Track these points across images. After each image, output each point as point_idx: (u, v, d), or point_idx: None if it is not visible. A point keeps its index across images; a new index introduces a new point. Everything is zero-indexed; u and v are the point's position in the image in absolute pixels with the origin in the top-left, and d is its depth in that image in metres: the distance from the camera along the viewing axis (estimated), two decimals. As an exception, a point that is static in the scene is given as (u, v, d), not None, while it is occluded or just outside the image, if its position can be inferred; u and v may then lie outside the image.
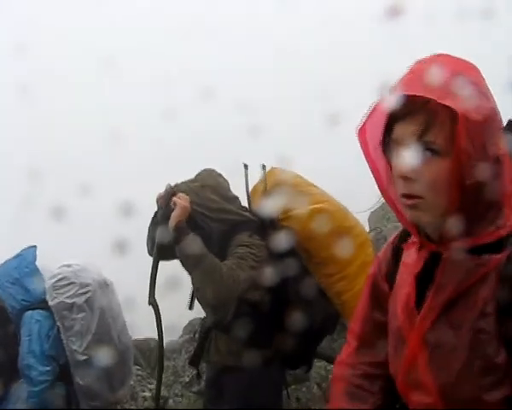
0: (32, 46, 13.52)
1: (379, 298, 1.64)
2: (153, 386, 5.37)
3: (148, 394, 5.40)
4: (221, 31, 17.82)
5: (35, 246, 4.21)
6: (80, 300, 3.71)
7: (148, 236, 3.38)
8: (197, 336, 3.43)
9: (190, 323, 6.10)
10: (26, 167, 7.99)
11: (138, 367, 5.70)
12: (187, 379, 5.55)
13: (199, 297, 2.93)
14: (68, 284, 3.74)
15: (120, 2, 18.62)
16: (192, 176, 3.24)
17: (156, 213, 3.17)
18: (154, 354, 5.99)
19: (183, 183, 3.16)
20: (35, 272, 3.98)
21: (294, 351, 2.96)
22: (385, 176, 1.43)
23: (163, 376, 3.94)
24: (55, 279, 3.78)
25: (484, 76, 1.42)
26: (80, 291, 3.73)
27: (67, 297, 3.71)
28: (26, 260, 4.04)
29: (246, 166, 3.03)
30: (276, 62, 16.48)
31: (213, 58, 17.47)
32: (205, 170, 3.31)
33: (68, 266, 3.85)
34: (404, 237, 1.57)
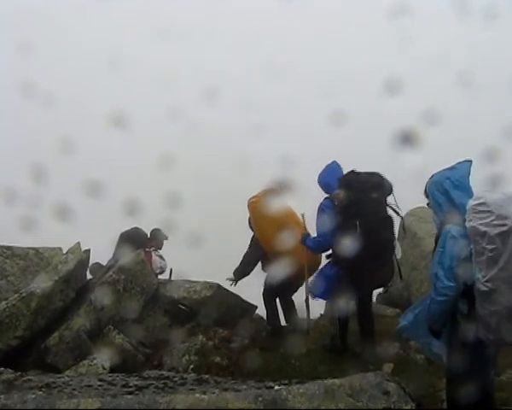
0: (38, 44, 13.72)
1: None
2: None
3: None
4: (223, 30, 16.56)
5: (470, 161, 4.19)
6: (493, 231, 3.62)
7: None
8: None
9: None
10: (31, 165, 8.33)
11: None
12: None
13: None
14: (486, 211, 3.68)
15: (125, 1, 18.00)
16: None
17: None
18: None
19: None
20: (464, 186, 4.02)
21: None
22: None
23: None
24: (476, 202, 3.77)
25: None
26: (496, 222, 3.62)
27: (482, 224, 3.67)
28: (458, 174, 4.07)
29: None
30: (276, 62, 14.82)
31: (216, 57, 16.30)
32: None
33: (493, 192, 3.78)
34: None
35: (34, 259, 8.85)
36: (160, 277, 8.79)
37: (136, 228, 8.97)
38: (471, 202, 3.80)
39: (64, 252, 8.39)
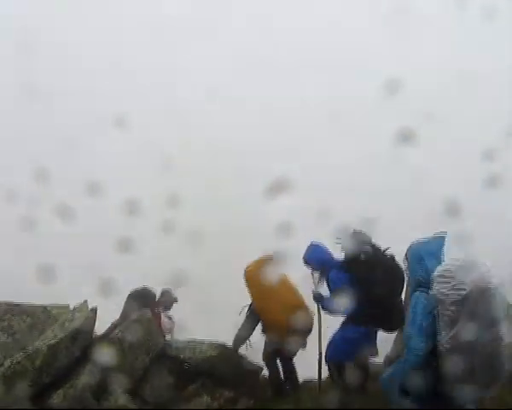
0: (40, 46, 14.13)
1: None
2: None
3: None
4: (223, 31, 17.06)
5: (446, 233, 4.61)
6: (452, 296, 4.00)
7: None
8: None
9: None
10: (33, 167, 8.49)
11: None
12: None
13: None
14: (448, 277, 4.06)
15: (125, 4, 18.53)
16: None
17: None
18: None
19: None
20: (438, 256, 4.42)
21: None
22: None
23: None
24: (442, 269, 4.17)
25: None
26: (456, 287, 4.00)
27: (443, 290, 4.06)
28: (434, 245, 4.50)
29: None
30: (277, 61, 15.31)
31: (215, 58, 16.70)
32: None
33: (457, 260, 4.17)
34: None
35: (42, 316, 8.88)
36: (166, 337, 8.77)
37: (144, 288, 9.01)
38: (439, 268, 4.23)
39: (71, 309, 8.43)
